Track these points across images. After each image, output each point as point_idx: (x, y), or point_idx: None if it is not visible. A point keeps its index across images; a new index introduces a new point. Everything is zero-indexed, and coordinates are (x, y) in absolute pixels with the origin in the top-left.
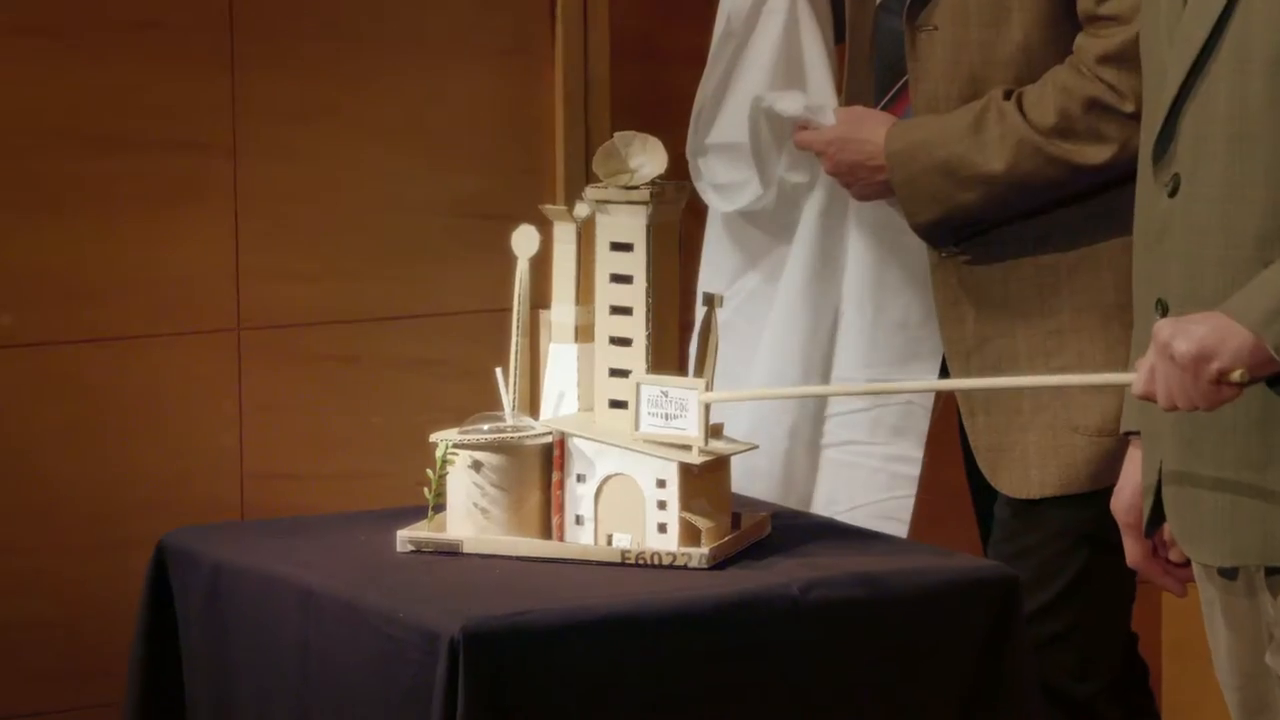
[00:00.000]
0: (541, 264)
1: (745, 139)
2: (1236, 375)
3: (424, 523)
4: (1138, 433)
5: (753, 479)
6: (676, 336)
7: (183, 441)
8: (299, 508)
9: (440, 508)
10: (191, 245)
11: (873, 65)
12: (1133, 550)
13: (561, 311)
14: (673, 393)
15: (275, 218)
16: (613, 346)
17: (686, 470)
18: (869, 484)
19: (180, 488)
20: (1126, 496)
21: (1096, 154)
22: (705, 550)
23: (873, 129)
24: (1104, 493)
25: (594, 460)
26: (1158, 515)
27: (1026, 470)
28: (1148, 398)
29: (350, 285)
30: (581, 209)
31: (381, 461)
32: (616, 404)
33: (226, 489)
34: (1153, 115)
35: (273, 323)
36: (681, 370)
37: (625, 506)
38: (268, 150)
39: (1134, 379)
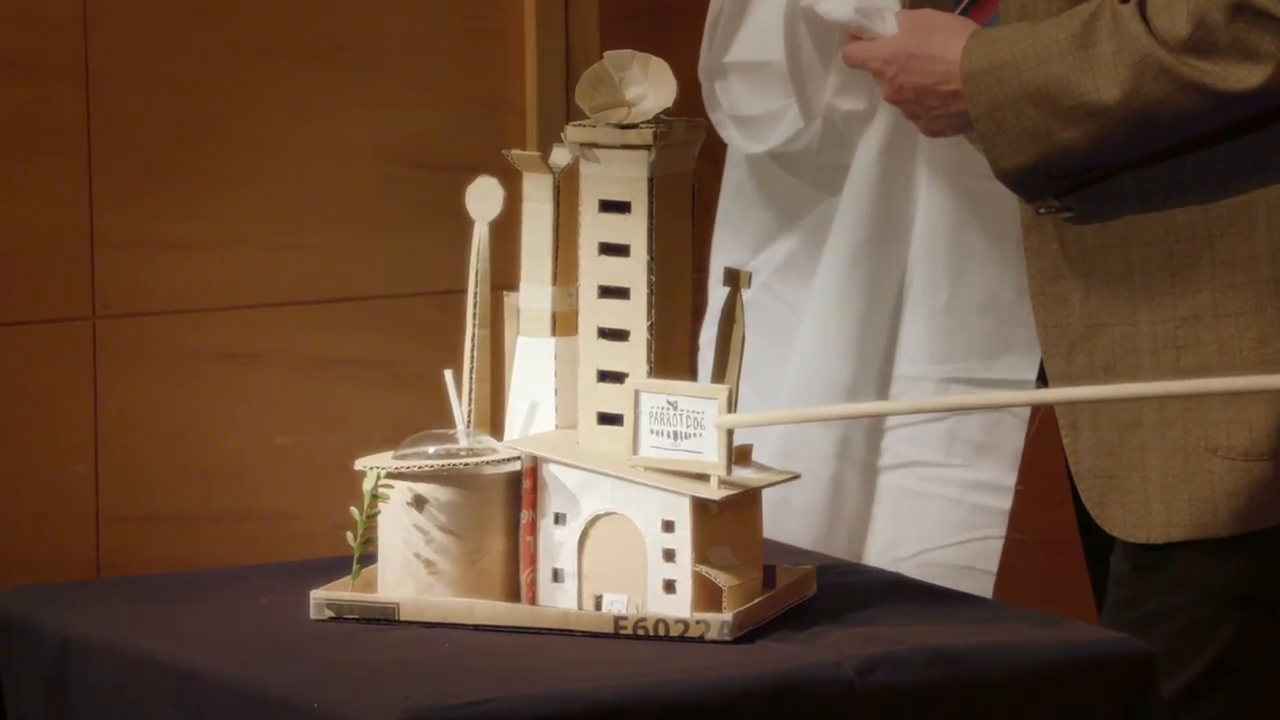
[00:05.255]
0: (507, 229)
1: (779, 55)
2: None
3: (347, 580)
4: None
5: (788, 516)
6: (689, 328)
7: (18, 470)
8: (176, 560)
9: (369, 559)
10: (28, 203)
11: None
12: None
13: (533, 294)
14: (684, 404)
15: (142, 164)
16: (603, 341)
17: (702, 508)
18: (944, 521)
19: (14, 532)
20: None
21: (1245, 76)
22: (728, 617)
23: (946, 41)
24: (1254, 537)
25: (577, 495)
26: None
27: (1147, 506)
28: None
29: (246, 257)
30: (560, 155)
31: (289, 497)
32: (608, 419)
33: (77, 534)
34: None
35: (140, 309)
36: (693, 372)
37: (620, 558)
38: (131, 73)
39: None
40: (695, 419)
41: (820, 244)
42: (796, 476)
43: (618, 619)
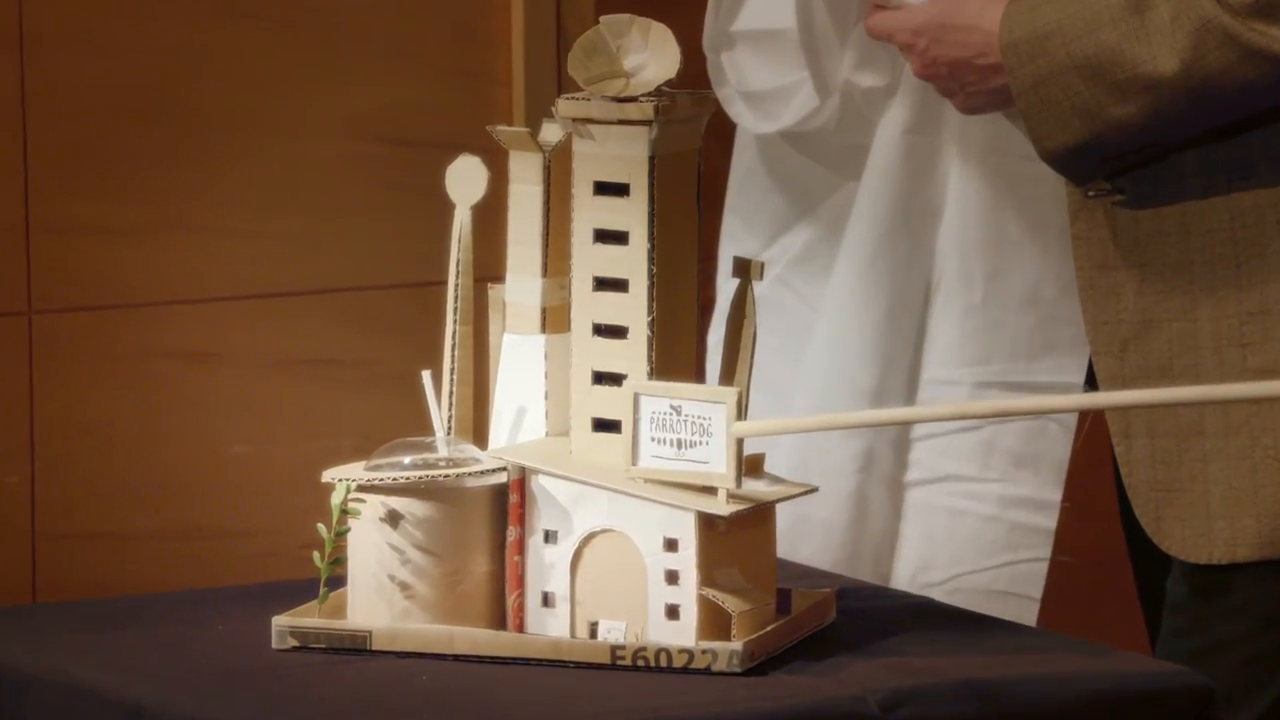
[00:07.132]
0: (491, 214)
1: (791, 23)
2: None
3: (313, 605)
4: None
5: (807, 535)
6: (695, 324)
7: None
8: (121, 583)
9: (338, 582)
10: None
11: None
12: None
13: (520, 286)
14: (689, 408)
15: (84, 141)
16: (598, 339)
17: (709, 525)
18: (981, 542)
19: None
20: None
21: None
22: (738, 646)
23: (982, 8)
24: None
25: (570, 510)
26: None
27: (1209, 522)
28: None
29: (200, 245)
30: (551, 131)
31: (248, 512)
32: (604, 425)
33: (9, 553)
34: None
35: (81, 303)
36: (701, 374)
37: (617, 580)
38: (72, 38)
39: None
40: (701, 425)
41: (840, 233)
42: (814, 489)
43: (615, 648)
